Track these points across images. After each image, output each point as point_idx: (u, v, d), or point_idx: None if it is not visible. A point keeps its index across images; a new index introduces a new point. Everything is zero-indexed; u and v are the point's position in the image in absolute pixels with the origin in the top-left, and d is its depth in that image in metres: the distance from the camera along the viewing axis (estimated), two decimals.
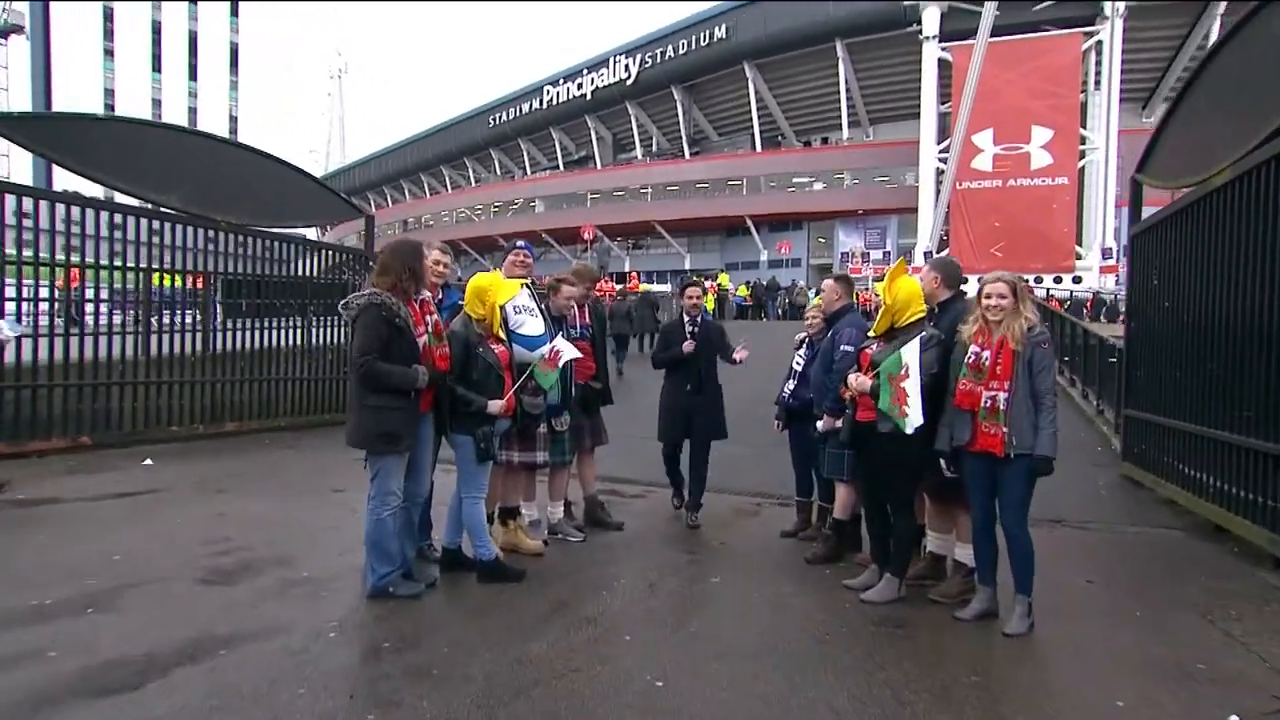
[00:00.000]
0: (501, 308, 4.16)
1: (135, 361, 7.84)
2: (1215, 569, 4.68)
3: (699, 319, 5.43)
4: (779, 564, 4.58)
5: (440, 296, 4.22)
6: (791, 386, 5.12)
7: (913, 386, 3.55)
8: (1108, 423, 8.91)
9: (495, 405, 3.83)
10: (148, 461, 6.91)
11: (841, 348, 4.54)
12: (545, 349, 4.24)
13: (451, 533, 4.09)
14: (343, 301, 3.57)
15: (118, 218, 7.63)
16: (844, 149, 38.05)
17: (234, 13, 58.05)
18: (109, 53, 54.35)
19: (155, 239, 8.00)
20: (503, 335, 4.04)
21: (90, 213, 7.46)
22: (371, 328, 3.46)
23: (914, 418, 3.55)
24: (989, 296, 3.59)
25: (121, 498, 5.57)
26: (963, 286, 4.29)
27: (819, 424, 4.57)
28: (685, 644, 3.32)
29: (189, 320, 8.69)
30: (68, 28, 50.32)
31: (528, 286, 4.63)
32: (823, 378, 4.64)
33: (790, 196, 38.81)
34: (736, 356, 5.36)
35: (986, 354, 3.54)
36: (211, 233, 8.40)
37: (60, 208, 7.29)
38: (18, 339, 6.90)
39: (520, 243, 4.80)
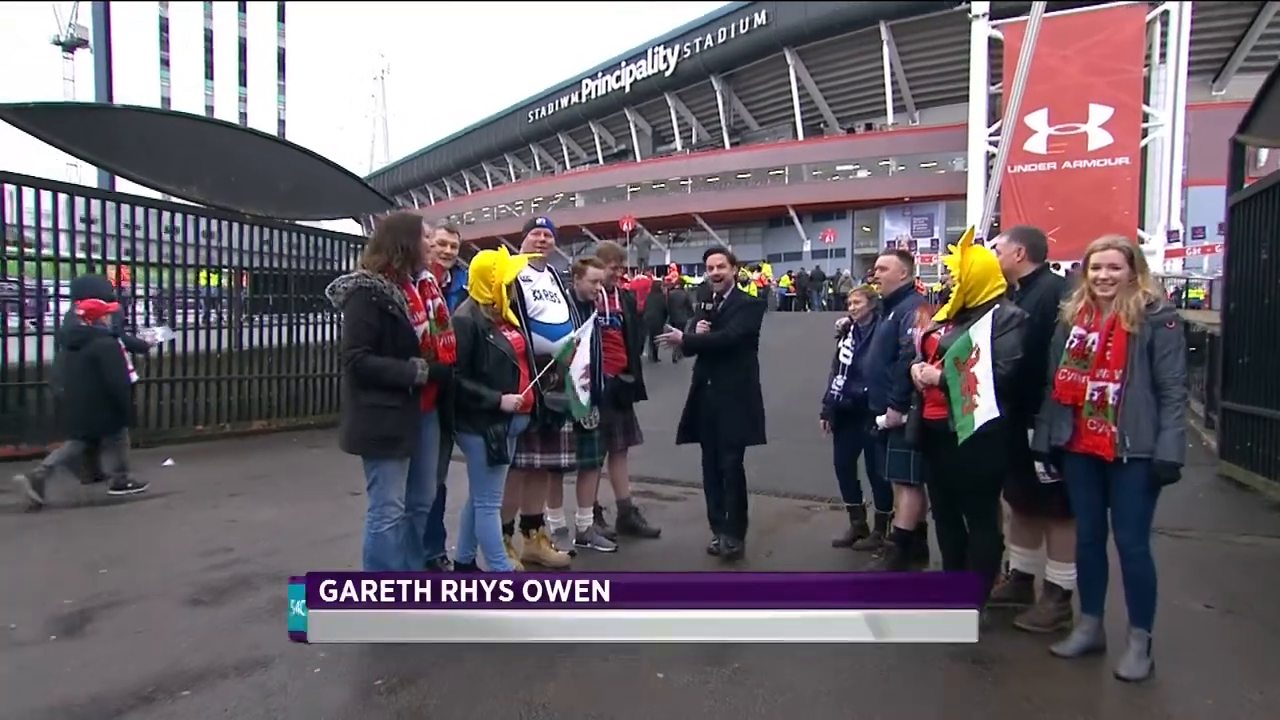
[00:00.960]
0: (518, 289, 3.69)
1: (160, 358, 7.61)
2: None
3: (724, 294, 4.39)
4: None
5: (449, 280, 3.76)
6: (841, 382, 4.51)
7: (983, 372, 2.94)
8: (1195, 416, 8.05)
9: (510, 400, 3.35)
10: (168, 462, 6.65)
11: (909, 331, 3.91)
12: (570, 337, 3.75)
13: (464, 546, 3.62)
14: (329, 286, 3.10)
15: (139, 211, 7.42)
16: (889, 135, 36.71)
17: (281, 18, 59.07)
18: (165, 62, 55.93)
19: (180, 234, 7.78)
20: (515, 320, 3.54)
21: (110, 205, 7.26)
22: (361, 316, 2.99)
23: (984, 409, 2.93)
24: (1098, 268, 2.92)
25: (130, 502, 5.27)
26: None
27: (880, 419, 3.95)
28: (728, 685, 2.77)
29: (216, 317, 8.45)
30: (127, 40, 52.15)
31: (550, 269, 4.15)
32: (884, 367, 4.05)
33: (834, 185, 37.65)
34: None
35: (1094, 337, 2.90)
36: (239, 226, 8.14)
37: (80, 201, 7.06)
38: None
39: (540, 220, 4.23)
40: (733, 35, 37.89)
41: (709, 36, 38.99)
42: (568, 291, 4.16)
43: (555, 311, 3.96)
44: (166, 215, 7.73)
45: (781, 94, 38.58)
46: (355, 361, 2.97)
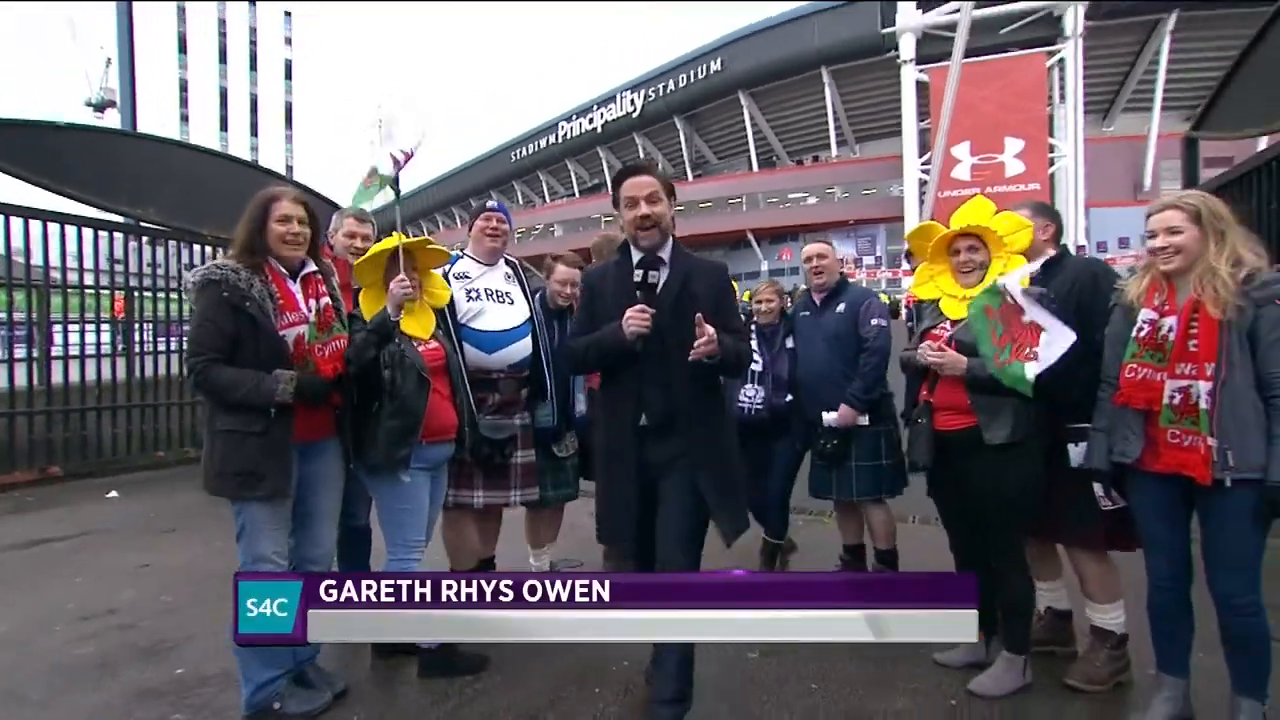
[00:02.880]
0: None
1: (114, 385, 6.45)
2: None
3: (658, 248, 2.16)
4: None
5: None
6: (755, 392, 3.29)
7: (1038, 316, 2.11)
8: None
9: (396, 292, 2.21)
10: (112, 494, 5.46)
11: (873, 322, 3.05)
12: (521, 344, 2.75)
13: None
14: (185, 280, 2.10)
15: (87, 232, 6.24)
16: (833, 166, 36.52)
17: (288, 76, 58.01)
18: (184, 118, 55.48)
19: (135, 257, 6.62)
20: (419, 327, 2.38)
21: (61, 228, 6.08)
22: (208, 315, 2.02)
23: (1056, 340, 2.10)
24: (1152, 235, 2.01)
25: (35, 546, 4.09)
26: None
27: (829, 416, 3.02)
28: None
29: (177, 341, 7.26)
30: (150, 98, 52.15)
31: (512, 264, 2.96)
32: (841, 368, 3.08)
33: (786, 211, 37.21)
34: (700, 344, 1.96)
35: (1170, 322, 1.95)
36: (199, 248, 7.02)
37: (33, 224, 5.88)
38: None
39: (490, 202, 2.97)
40: (692, 80, 37.63)
41: (671, 81, 38.71)
42: (532, 294, 2.98)
43: (498, 315, 2.77)
44: (119, 237, 6.56)
45: (737, 131, 38.27)
46: (197, 373, 1.99)
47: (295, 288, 2.16)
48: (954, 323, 2.41)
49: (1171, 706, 2.04)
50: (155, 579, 3.48)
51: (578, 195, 46.65)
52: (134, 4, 48.28)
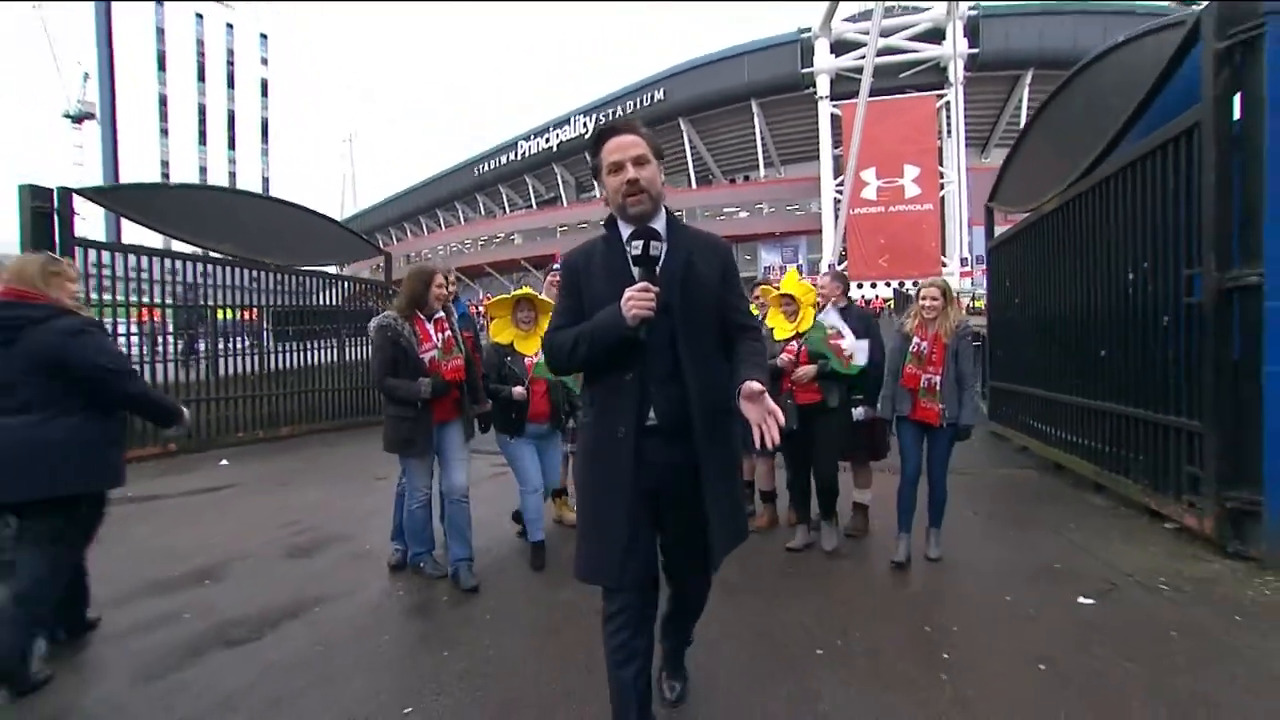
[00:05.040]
0: None
1: (208, 380, 7.62)
2: (1058, 495, 4.97)
3: (649, 216, 1.71)
4: None
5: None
6: None
7: (849, 344, 3.72)
8: (977, 392, 9.21)
9: (519, 391, 3.56)
10: (224, 462, 6.72)
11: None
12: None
13: (535, 530, 3.70)
14: (369, 325, 3.36)
15: (190, 264, 7.41)
16: (762, 184, 38.41)
17: (264, 93, 56.35)
18: (164, 131, 53.14)
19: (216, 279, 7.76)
20: (528, 346, 3.67)
21: (166, 261, 7.23)
22: (380, 349, 3.18)
23: (860, 356, 3.73)
24: (924, 299, 3.63)
25: (208, 492, 5.41)
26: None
27: None
28: None
29: (247, 345, 8.40)
30: (130, 112, 49.71)
31: None
32: None
33: (720, 223, 38.87)
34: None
35: (925, 344, 3.59)
36: (264, 273, 8.19)
37: (136, 258, 7.01)
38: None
39: (555, 265, 4.14)
40: (638, 106, 38.77)
41: (619, 107, 39.77)
42: None
43: None
44: (208, 266, 7.71)
45: (677, 152, 39.62)
46: (377, 382, 3.21)
47: (430, 327, 3.30)
48: (798, 339, 3.94)
49: (905, 546, 3.70)
50: (305, 508, 4.83)
51: (535, 207, 47.44)
52: (112, 21, 46.22)
